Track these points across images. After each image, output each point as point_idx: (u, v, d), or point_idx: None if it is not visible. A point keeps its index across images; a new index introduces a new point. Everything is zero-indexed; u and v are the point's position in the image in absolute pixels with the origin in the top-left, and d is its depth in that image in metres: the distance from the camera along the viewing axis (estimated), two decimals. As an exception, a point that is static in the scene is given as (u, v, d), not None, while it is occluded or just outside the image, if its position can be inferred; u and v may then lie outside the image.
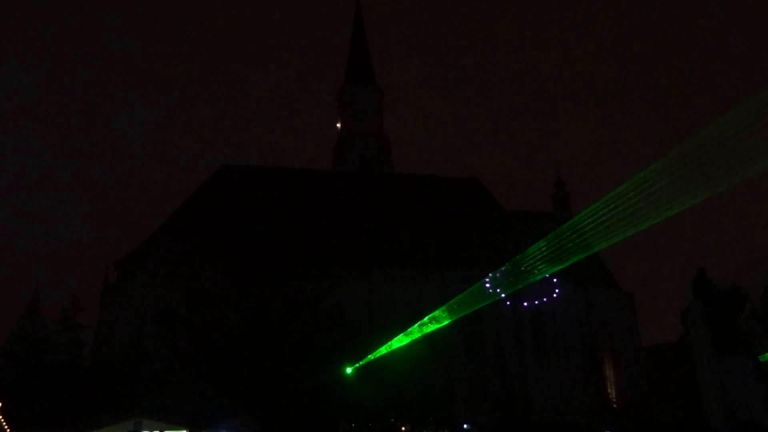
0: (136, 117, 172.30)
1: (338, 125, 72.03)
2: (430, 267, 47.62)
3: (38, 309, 44.65)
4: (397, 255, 48.11)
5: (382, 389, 38.50)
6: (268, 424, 35.91)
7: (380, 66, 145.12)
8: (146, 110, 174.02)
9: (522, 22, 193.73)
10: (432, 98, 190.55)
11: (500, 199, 59.37)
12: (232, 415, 35.43)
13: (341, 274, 46.13)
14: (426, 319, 37.33)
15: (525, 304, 46.83)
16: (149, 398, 35.67)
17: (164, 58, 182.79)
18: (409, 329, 38.24)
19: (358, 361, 40.23)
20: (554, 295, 46.93)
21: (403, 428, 33.08)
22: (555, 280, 43.82)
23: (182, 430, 33.09)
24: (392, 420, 34.75)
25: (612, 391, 48.53)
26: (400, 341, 38.51)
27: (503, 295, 36.22)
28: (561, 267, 26.86)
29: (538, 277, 30.66)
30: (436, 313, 36.68)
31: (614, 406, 47.45)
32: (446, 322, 36.92)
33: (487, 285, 34.95)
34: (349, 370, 40.52)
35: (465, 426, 34.04)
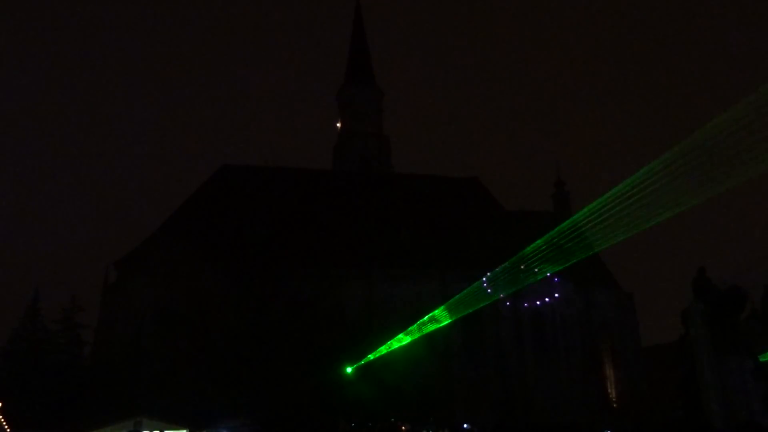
0: (136, 117, 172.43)
1: (338, 125, 72.05)
2: (430, 267, 47.62)
3: (38, 309, 44.73)
4: (397, 255, 48.11)
5: (382, 389, 38.50)
6: (268, 424, 35.93)
7: (380, 66, 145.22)
8: (146, 110, 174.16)
9: (522, 22, 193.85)
10: (432, 98, 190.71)
11: (500, 199, 59.42)
12: (232, 415, 35.46)
13: (341, 274, 46.13)
14: (425, 318, 37.34)
15: (526, 304, 46.84)
16: (149, 398, 35.70)
17: (164, 58, 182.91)
18: (409, 329, 38.26)
19: (358, 361, 40.24)
20: (555, 296, 46.94)
21: (403, 428, 33.06)
22: (556, 279, 43.83)
23: (182, 430, 33.11)
24: (392, 420, 34.74)
25: (612, 391, 48.54)
26: (400, 341, 38.53)
27: (502, 295, 36.20)
28: (560, 267, 26.87)
29: (538, 278, 30.67)
30: (436, 312, 36.69)
31: (614, 406, 47.46)
32: (446, 323, 36.92)
33: (485, 285, 34.93)
34: (349, 370, 40.53)
35: (465, 426, 34.00)
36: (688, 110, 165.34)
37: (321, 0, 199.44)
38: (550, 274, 33.56)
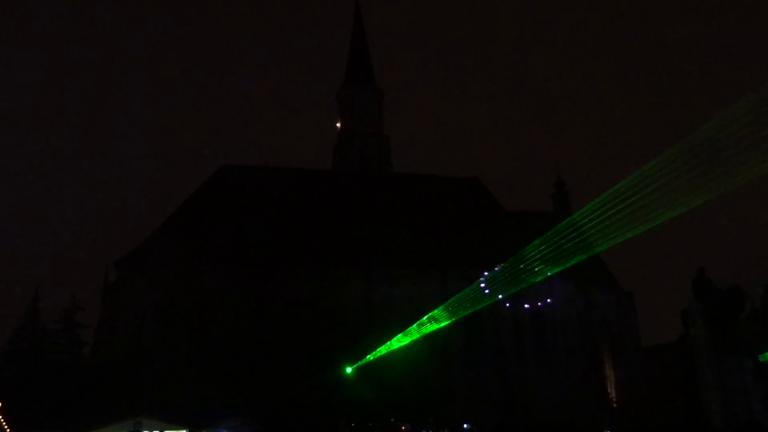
0: (136, 117, 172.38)
1: (338, 125, 72.03)
2: (430, 267, 47.62)
3: (38, 309, 44.74)
4: (397, 255, 48.10)
5: (382, 389, 38.52)
6: (268, 424, 35.94)
7: (380, 66, 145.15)
8: (146, 110, 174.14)
9: (522, 22, 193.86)
10: (432, 98, 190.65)
11: (500, 199, 59.39)
12: (232, 415, 35.46)
13: (341, 274, 46.13)
14: (425, 318, 37.36)
15: (526, 305, 46.83)
16: (149, 398, 35.72)
17: (164, 58, 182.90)
18: (409, 329, 38.28)
19: (358, 361, 40.26)
20: (555, 296, 46.94)
21: (403, 428, 33.08)
22: (556, 280, 43.80)
23: (182, 430, 33.11)
24: (392, 420, 34.76)
25: (612, 391, 48.53)
26: (399, 341, 38.55)
27: (500, 297, 36.15)
28: (560, 268, 26.85)
29: (538, 279, 30.67)
30: (436, 312, 36.70)
31: (614, 406, 47.45)
32: (445, 323, 36.93)
33: (483, 285, 34.93)
34: (349, 370, 40.56)
35: (465, 426, 34.03)
36: (688, 110, 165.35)
37: (321, 0, 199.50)
38: (551, 274, 33.54)
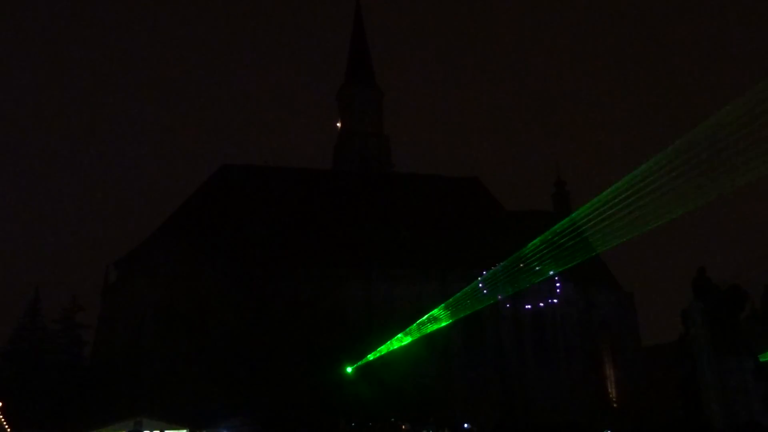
0: (136, 117, 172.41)
1: (338, 125, 72.05)
2: (430, 267, 47.62)
3: (38, 309, 44.70)
4: (397, 255, 48.10)
5: (382, 389, 38.51)
6: (268, 424, 35.96)
7: (380, 66, 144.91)
8: (146, 110, 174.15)
9: (522, 22, 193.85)
10: (432, 98, 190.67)
11: (500, 199, 59.40)
12: (232, 415, 35.51)
13: (341, 274, 46.13)
14: (425, 318, 37.35)
15: (526, 305, 46.83)
16: (149, 398, 35.72)
17: (164, 58, 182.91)
18: (409, 329, 38.27)
19: (358, 361, 40.26)
20: (555, 296, 46.93)
21: (403, 428, 33.09)
22: (556, 279, 43.80)
23: (182, 430, 33.14)
24: (392, 419, 34.76)
25: (612, 391, 48.52)
26: (399, 341, 38.54)
27: (499, 297, 36.13)
28: (560, 269, 26.82)
29: (537, 280, 30.64)
30: (435, 312, 36.69)
31: (614, 406, 47.44)
32: (445, 323, 36.92)
33: (480, 285, 34.92)
34: (349, 370, 40.56)
35: (465, 426, 34.04)
36: (688, 110, 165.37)
37: (321, 0, 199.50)
38: (552, 273, 33.54)
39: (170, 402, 35.16)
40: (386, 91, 72.50)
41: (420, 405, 38.47)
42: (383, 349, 38.96)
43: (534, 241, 25.35)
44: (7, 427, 33.21)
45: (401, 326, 39.34)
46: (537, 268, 27.99)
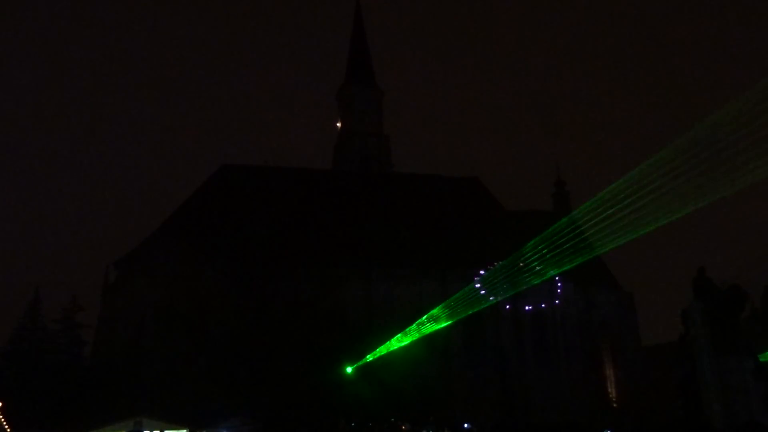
0: (136, 117, 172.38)
1: (338, 125, 72.05)
2: (430, 267, 47.62)
3: (38, 309, 44.69)
4: (397, 255, 48.11)
5: (382, 389, 38.52)
6: (268, 424, 35.95)
7: (380, 66, 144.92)
8: (146, 110, 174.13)
9: (522, 23, 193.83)
10: (432, 98, 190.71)
11: (500, 199, 59.41)
12: (232, 415, 35.49)
13: (341, 274, 46.13)
14: (424, 318, 37.34)
15: (526, 305, 46.82)
16: (149, 398, 35.71)
17: (164, 57, 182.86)
18: (409, 329, 38.27)
19: (358, 361, 40.27)
20: (555, 296, 46.91)
21: (403, 428, 33.08)
22: (557, 279, 43.73)
23: (182, 430, 33.14)
24: (392, 419, 34.75)
25: (612, 391, 48.52)
26: (399, 341, 38.54)
27: (492, 298, 35.99)
28: (559, 270, 26.78)
29: (536, 280, 30.60)
30: (435, 311, 36.68)
31: (614, 405, 47.44)
32: (444, 324, 36.89)
33: (478, 286, 34.90)
34: (349, 370, 40.57)
35: (465, 426, 34.01)
36: (688, 110, 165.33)
37: (321, 0, 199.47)
38: (553, 272, 33.50)
39: (170, 402, 35.15)
40: (386, 91, 72.53)
41: (420, 405, 38.47)
42: (383, 349, 38.96)
43: (532, 241, 25.33)
44: (7, 427, 33.21)
45: (401, 326, 39.34)
46: (537, 268, 27.98)
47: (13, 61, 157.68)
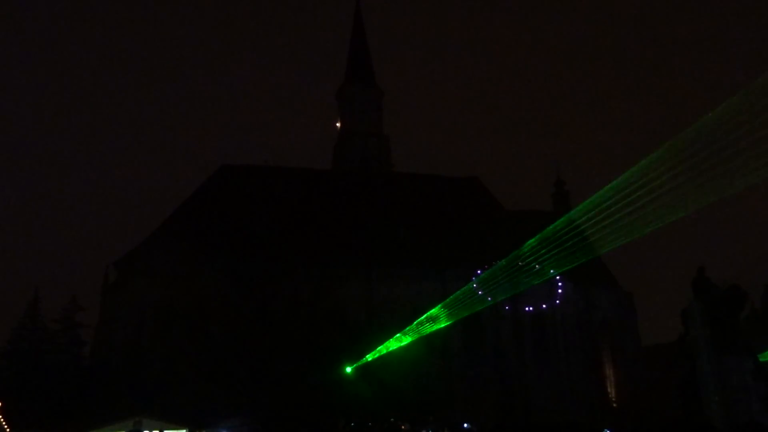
0: (136, 117, 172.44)
1: (338, 125, 72.05)
2: (430, 266, 47.63)
3: (38, 309, 44.68)
4: (397, 255, 48.11)
5: (381, 389, 38.51)
6: (268, 424, 35.94)
7: (380, 66, 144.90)
8: (146, 110, 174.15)
9: (522, 23, 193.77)
10: (432, 98, 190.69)
11: (500, 199, 59.42)
12: (232, 414, 35.48)
13: (341, 274, 46.14)
14: (423, 318, 37.30)
15: (526, 305, 46.81)
16: (149, 398, 35.68)
17: (164, 57, 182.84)
18: (409, 329, 38.23)
19: (357, 361, 40.24)
20: (555, 296, 46.92)
21: (402, 427, 33.06)
22: (558, 278, 43.73)
23: (182, 429, 33.14)
24: (392, 419, 34.74)
25: (612, 391, 48.54)
26: (399, 341, 38.51)
27: (489, 299, 35.89)
28: (560, 271, 26.73)
29: (535, 281, 30.55)
30: (434, 311, 36.63)
31: (614, 405, 47.45)
32: (444, 324, 36.85)
33: (475, 286, 34.85)
34: (348, 369, 40.54)
35: (465, 426, 33.99)
36: (688, 110, 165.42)
37: (321, 0, 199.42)
38: (552, 272, 33.44)
39: (170, 402, 35.13)
40: (386, 91, 72.52)
41: (420, 405, 38.47)
42: (383, 349, 38.93)
43: (529, 241, 25.27)
44: (6, 427, 33.22)
45: (401, 326, 39.33)
46: (537, 268, 27.92)
47: (13, 61, 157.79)
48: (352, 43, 74.15)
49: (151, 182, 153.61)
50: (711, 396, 17.13)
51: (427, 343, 40.86)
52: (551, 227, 22.90)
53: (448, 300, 36.30)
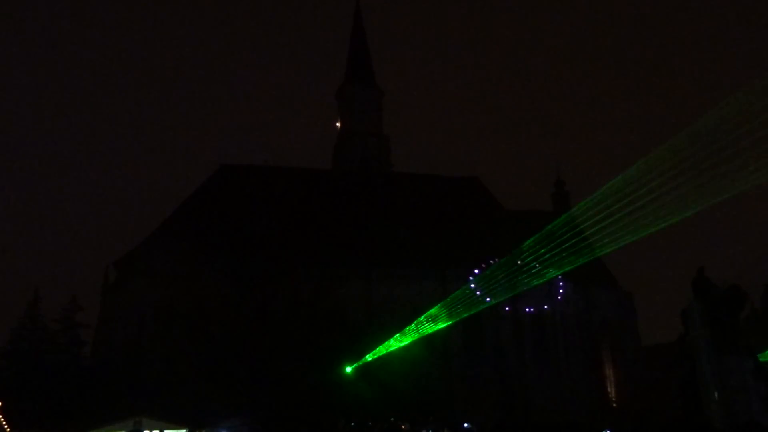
0: (136, 117, 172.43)
1: (338, 125, 72.03)
2: (430, 266, 47.62)
3: (38, 309, 44.67)
4: (397, 254, 48.10)
5: (381, 389, 38.51)
6: (268, 424, 35.93)
7: (380, 66, 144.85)
8: (146, 110, 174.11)
9: (522, 22, 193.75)
10: (432, 98, 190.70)
11: (500, 199, 59.41)
12: (232, 414, 35.48)
13: (341, 274, 46.12)
14: (423, 317, 37.32)
15: (526, 306, 46.80)
16: (149, 398, 35.69)
17: (164, 57, 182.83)
18: (409, 329, 38.25)
19: (357, 361, 40.25)
20: (555, 296, 46.92)
21: (402, 427, 33.04)
22: (559, 278, 43.69)
23: (182, 429, 33.14)
24: (392, 419, 34.73)
25: (612, 391, 48.54)
26: (399, 341, 38.52)
27: (488, 299, 35.89)
28: (560, 272, 26.72)
29: (534, 282, 30.56)
30: (434, 311, 36.64)
31: (614, 406, 47.45)
32: (443, 324, 36.85)
33: (472, 286, 34.84)
34: (348, 369, 40.55)
35: (465, 426, 33.98)
36: (689, 110, 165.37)
37: (321, 0, 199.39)
38: (554, 272, 33.44)
39: (170, 402, 35.12)
40: (386, 91, 72.47)
41: (420, 405, 38.46)
42: (383, 349, 38.94)
43: (529, 241, 25.27)
44: (6, 426, 33.22)
45: (401, 326, 39.35)
46: (536, 267, 27.92)
47: (13, 61, 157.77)
48: (352, 43, 74.12)
49: (151, 182, 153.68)
50: (711, 396, 17.12)
51: (427, 343, 40.86)
52: (551, 226, 22.91)
53: (447, 300, 36.30)
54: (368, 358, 39.63)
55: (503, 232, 47.57)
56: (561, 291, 47.17)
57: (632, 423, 36.49)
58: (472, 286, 34.45)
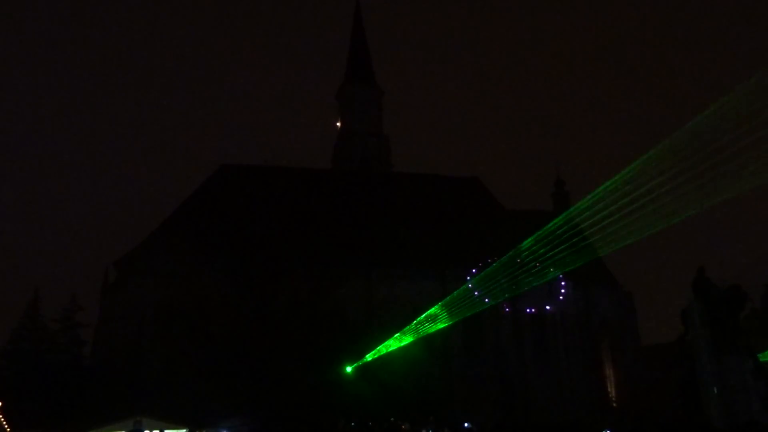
0: (136, 117, 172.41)
1: (338, 125, 72.02)
2: (430, 266, 47.62)
3: (38, 309, 44.68)
4: (397, 254, 48.09)
5: (381, 389, 38.51)
6: (268, 424, 35.94)
7: (380, 66, 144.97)
8: (146, 110, 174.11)
9: (522, 23, 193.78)
10: (432, 98, 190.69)
11: (500, 199, 59.39)
12: (232, 414, 35.48)
13: (341, 274, 46.11)
14: (422, 317, 37.33)
15: (526, 306, 46.80)
16: (149, 398, 35.68)
17: (164, 57, 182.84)
18: (409, 328, 38.25)
19: (357, 361, 40.25)
20: (555, 297, 46.92)
21: (403, 427, 33.04)
22: (560, 278, 43.71)
23: (182, 429, 33.13)
24: (392, 419, 34.73)
25: (612, 391, 48.54)
26: (399, 341, 38.52)
27: (486, 300, 35.89)
28: (559, 272, 26.72)
29: (536, 283, 30.56)
30: (434, 311, 36.64)
31: (614, 406, 47.44)
32: (443, 325, 36.86)
33: (470, 286, 34.83)
34: (348, 369, 40.55)
35: (465, 425, 33.99)
36: (689, 110, 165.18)
37: (321, 0, 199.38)
38: (552, 271, 33.42)
39: (170, 402, 35.10)
40: (386, 91, 72.51)
41: (420, 405, 38.45)
42: (383, 349, 38.95)
43: (529, 240, 25.25)
44: (6, 426, 33.22)
45: (401, 326, 39.35)
46: (536, 266, 27.91)
47: (13, 61, 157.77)
48: (352, 43, 74.14)
49: (151, 182, 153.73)
50: (711, 396, 17.12)
51: (427, 343, 40.87)
52: (550, 225, 22.88)
53: (447, 300, 36.30)
54: (368, 358, 39.63)
55: (503, 232, 47.54)
56: (561, 291, 47.16)
57: (632, 423, 36.48)
58: (470, 286, 34.44)
